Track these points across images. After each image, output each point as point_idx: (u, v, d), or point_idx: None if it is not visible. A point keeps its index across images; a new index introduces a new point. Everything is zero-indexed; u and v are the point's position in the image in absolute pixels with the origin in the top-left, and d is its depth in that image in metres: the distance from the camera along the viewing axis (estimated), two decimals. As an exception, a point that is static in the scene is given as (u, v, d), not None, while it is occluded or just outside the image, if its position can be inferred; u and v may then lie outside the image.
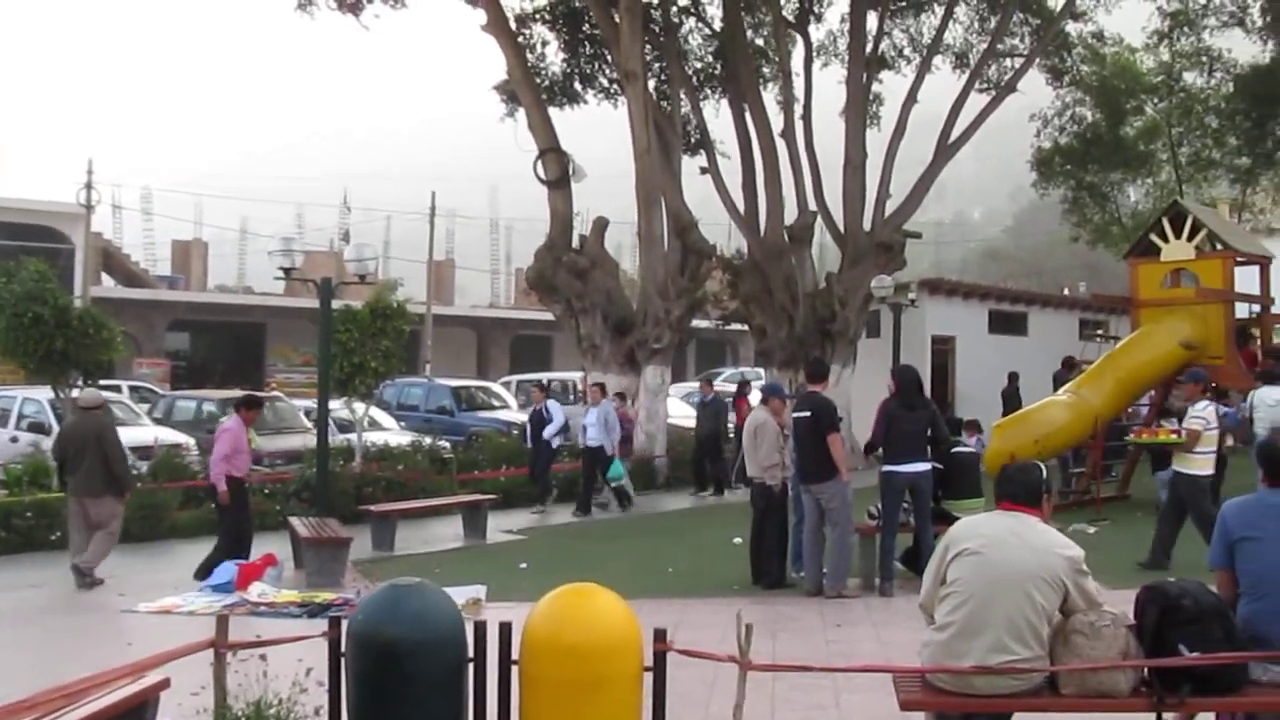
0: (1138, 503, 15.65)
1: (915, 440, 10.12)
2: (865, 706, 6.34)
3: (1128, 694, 4.69)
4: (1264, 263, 17.00)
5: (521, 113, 22.58)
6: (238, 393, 18.66)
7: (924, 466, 10.12)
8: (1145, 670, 4.69)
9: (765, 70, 24.96)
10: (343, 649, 4.89)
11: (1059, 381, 19.96)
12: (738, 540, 12.01)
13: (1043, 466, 5.29)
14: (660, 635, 4.87)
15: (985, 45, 25.39)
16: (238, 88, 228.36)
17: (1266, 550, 4.77)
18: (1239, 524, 4.90)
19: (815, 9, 25.40)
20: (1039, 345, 25.47)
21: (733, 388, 21.86)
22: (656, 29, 23.35)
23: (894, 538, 10.25)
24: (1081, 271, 51.66)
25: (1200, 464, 11.02)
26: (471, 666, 4.92)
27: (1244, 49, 28.72)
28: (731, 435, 19.21)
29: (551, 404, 17.80)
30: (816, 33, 25.72)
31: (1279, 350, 16.15)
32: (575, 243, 21.75)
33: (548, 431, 17.23)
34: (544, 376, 30.72)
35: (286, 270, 14.37)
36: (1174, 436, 11.53)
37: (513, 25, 22.84)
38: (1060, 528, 10.54)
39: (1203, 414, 11.23)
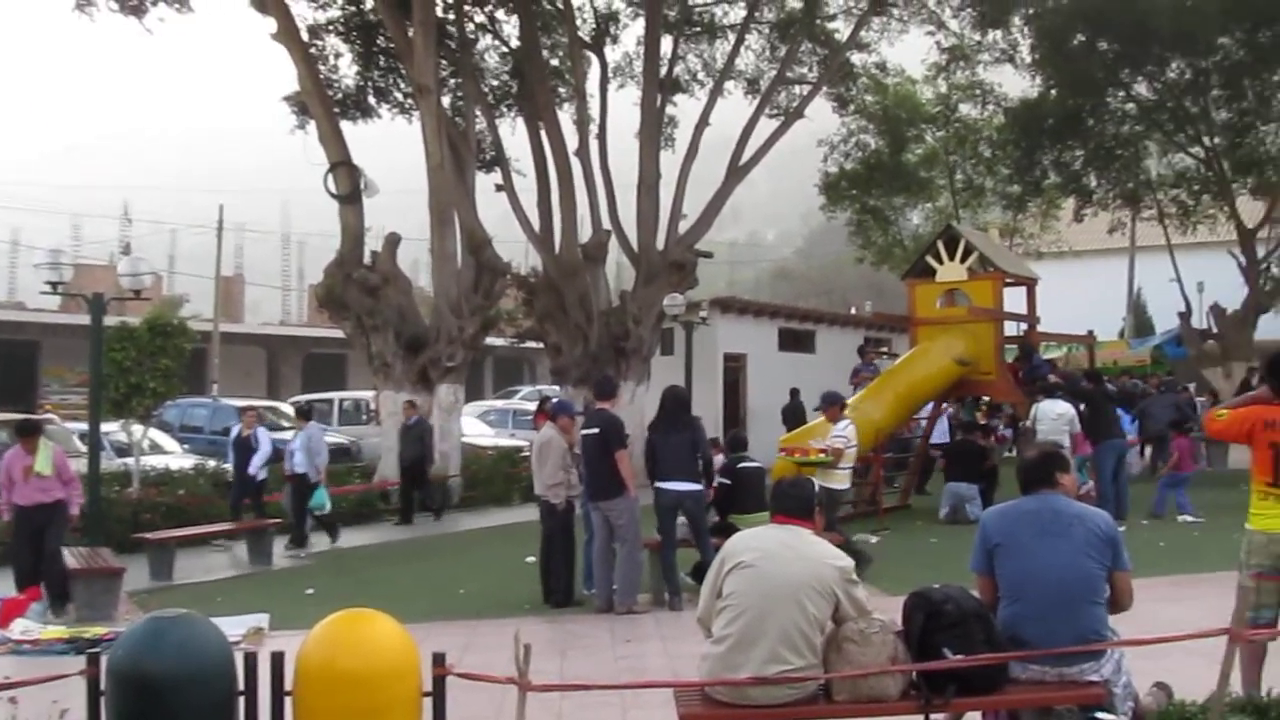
0: (918, 512, 16.29)
1: (681, 459, 10.20)
2: (652, 721, 6.38)
3: (897, 697, 4.83)
4: (1030, 284, 17.95)
5: (313, 125, 22.09)
6: (7, 416, 17.62)
7: (691, 486, 10.22)
8: (913, 673, 4.84)
9: (561, 90, 25.10)
10: (102, 687, 4.63)
11: (786, 414, 20.72)
12: (530, 559, 11.96)
13: (814, 481, 5.43)
14: (439, 659, 4.78)
15: (775, 72, 26.13)
16: (11, 90, 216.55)
17: (1022, 556, 4.99)
18: (997, 531, 5.12)
19: (611, 31, 25.67)
20: (827, 362, 26.25)
21: (532, 405, 21.83)
22: (452, 45, 23.21)
23: (673, 553, 10.34)
24: (868, 291, 53.54)
25: (839, 479, 12.09)
26: (242, 700, 4.72)
27: (1014, 84, 30.34)
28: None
29: (261, 432, 16.01)
30: (612, 54, 26.06)
31: (1096, 373, 16.98)
32: (367, 259, 21.34)
33: (253, 464, 15.52)
34: (336, 395, 30.10)
35: (54, 285, 13.67)
36: (823, 455, 12.10)
37: (305, 36, 22.34)
38: (845, 538, 10.97)
39: (844, 433, 12.21)
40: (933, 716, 4.99)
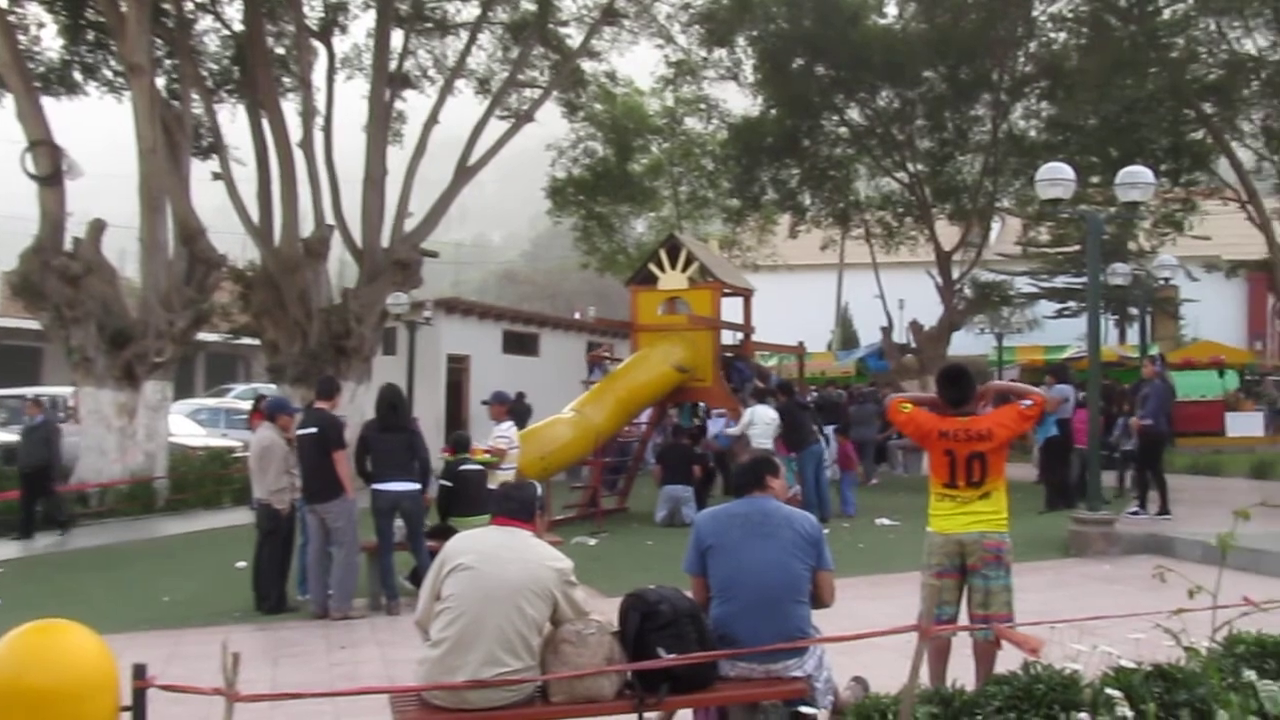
0: (635, 515, 16.60)
1: (397, 459, 10.10)
2: (368, 729, 6.25)
3: (613, 697, 4.89)
4: (747, 294, 18.60)
5: (10, 99, 20.55)
6: None
7: (409, 486, 10.12)
8: (628, 673, 4.92)
9: (286, 79, 24.31)
10: None
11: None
12: (241, 564, 11.52)
13: (536, 484, 5.47)
14: (139, 671, 4.51)
15: (507, 74, 26.14)
16: None
17: (733, 556, 5.19)
18: (710, 533, 5.30)
19: (340, 21, 25.09)
20: (550, 365, 26.47)
21: (246, 405, 20.99)
22: (168, 23, 22.10)
23: (391, 556, 10.20)
24: (592, 296, 54.17)
25: (503, 479, 12.13)
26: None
27: (738, 101, 31.44)
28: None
29: None
30: (341, 45, 25.49)
31: (790, 384, 17.66)
32: (68, 245, 20.00)
33: None
34: (32, 391, 28.09)
35: None
36: (488, 455, 12.32)
37: (2, 3, 20.78)
38: (564, 539, 11.07)
39: (506, 433, 12.47)
40: (646, 715, 5.11)
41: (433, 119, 23.88)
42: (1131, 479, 15.78)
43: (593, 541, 13.82)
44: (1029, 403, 6.13)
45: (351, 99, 24.65)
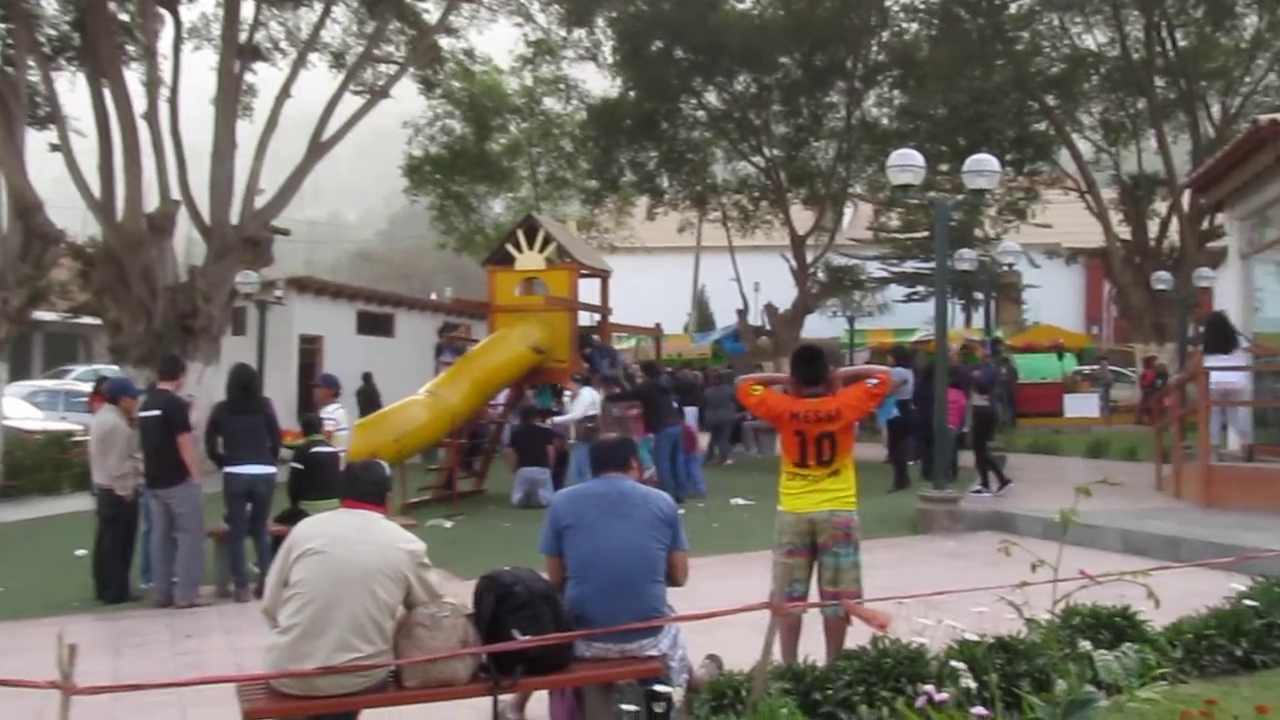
0: (492, 497, 16.50)
1: (251, 441, 9.89)
2: None
3: (467, 680, 4.85)
4: (605, 276, 18.61)
5: None
6: None
7: (265, 468, 9.94)
8: (483, 656, 4.88)
9: (130, 47, 23.39)
10: None
11: (362, 397, 20.65)
12: (81, 552, 11.09)
13: (386, 465, 5.38)
14: (-31, 663, 4.33)
15: (362, 49, 25.60)
16: None
17: (589, 536, 5.19)
18: (567, 513, 5.30)
19: (188, -13, 24.24)
20: (406, 346, 26.12)
21: (87, 386, 20.22)
22: (2, -15, 21.07)
23: (242, 541, 9.97)
24: (449, 277, 53.66)
25: None
26: None
27: (597, 82, 31.41)
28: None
29: None
30: (188, 14, 24.68)
31: (653, 365, 17.73)
32: (-110, 218, 18.99)
33: None
34: None
35: None
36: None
37: None
38: (419, 522, 10.93)
39: (333, 415, 12.27)
40: (502, 697, 5.08)
41: (285, 93, 23.27)
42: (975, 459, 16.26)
43: (448, 524, 13.70)
44: (875, 381, 6.27)
45: (199, 70, 23.86)
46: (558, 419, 15.70)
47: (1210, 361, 13.39)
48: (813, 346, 6.58)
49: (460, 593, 5.30)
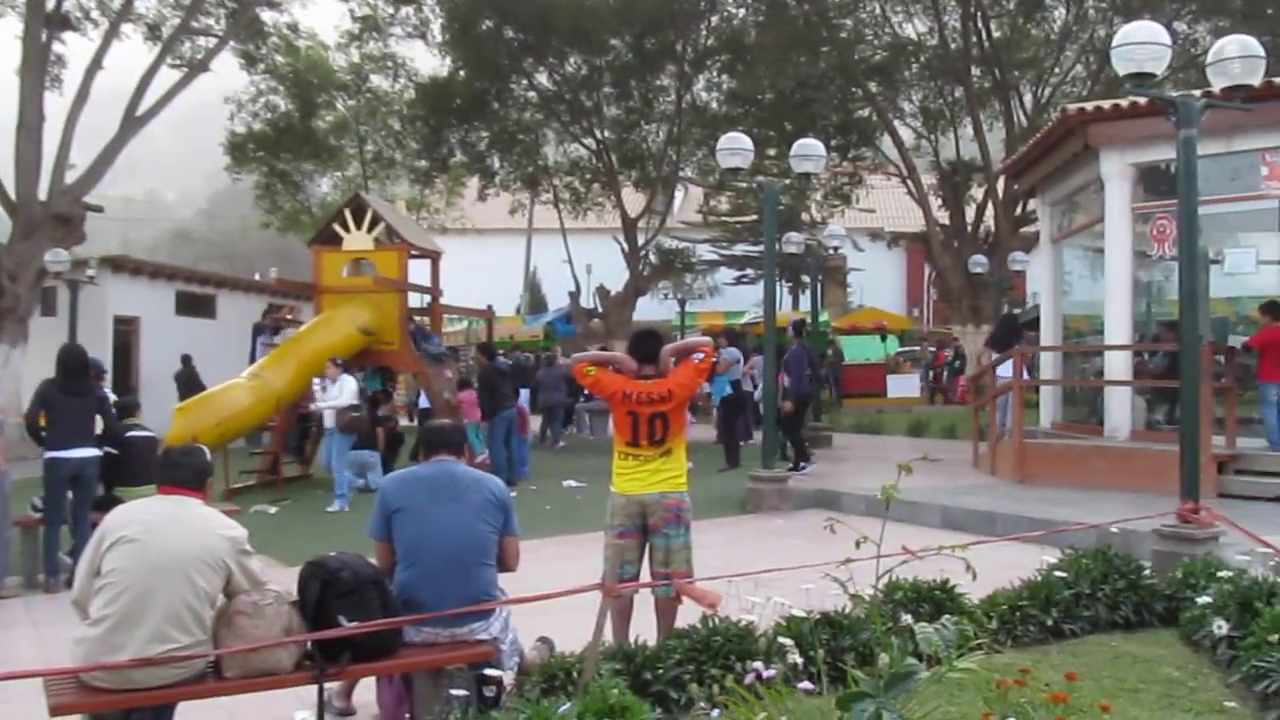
0: (319, 481, 16.16)
1: (79, 424, 9.52)
2: (19, 717, 5.78)
3: (291, 669, 4.72)
4: (435, 257, 18.38)
5: None
6: None
7: (93, 451, 9.56)
8: (308, 644, 4.76)
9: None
10: None
11: (181, 380, 20.06)
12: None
13: (206, 450, 5.18)
14: None
15: (179, 20, 24.66)
16: None
17: (419, 520, 5.11)
18: (396, 496, 5.20)
19: (-11, -48, 22.98)
20: (228, 328, 25.34)
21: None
22: None
23: (58, 529, 9.53)
24: (274, 257, 52.23)
25: None
26: None
27: (426, 61, 30.93)
28: None
29: None
30: (-11, -22, 23.30)
31: (490, 348, 17.51)
32: None
33: None
34: None
35: None
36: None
37: None
38: (242, 508, 10.63)
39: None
40: (328, 685, 4.97)
41: (96, 64, 22.25)
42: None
43: (273, 510, 13.36)
44: (700, 355, 6.35)
45: (3, 40, 22.64)
46: (315, 405, 14.91)
47: (996, 357, 15.60)
48: (650, 329, 6.70)
49: (285, 580, 5.15)
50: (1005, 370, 15.20)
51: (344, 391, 14.10)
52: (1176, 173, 8.26)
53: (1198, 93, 8.32)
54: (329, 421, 14.24)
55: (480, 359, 17.07)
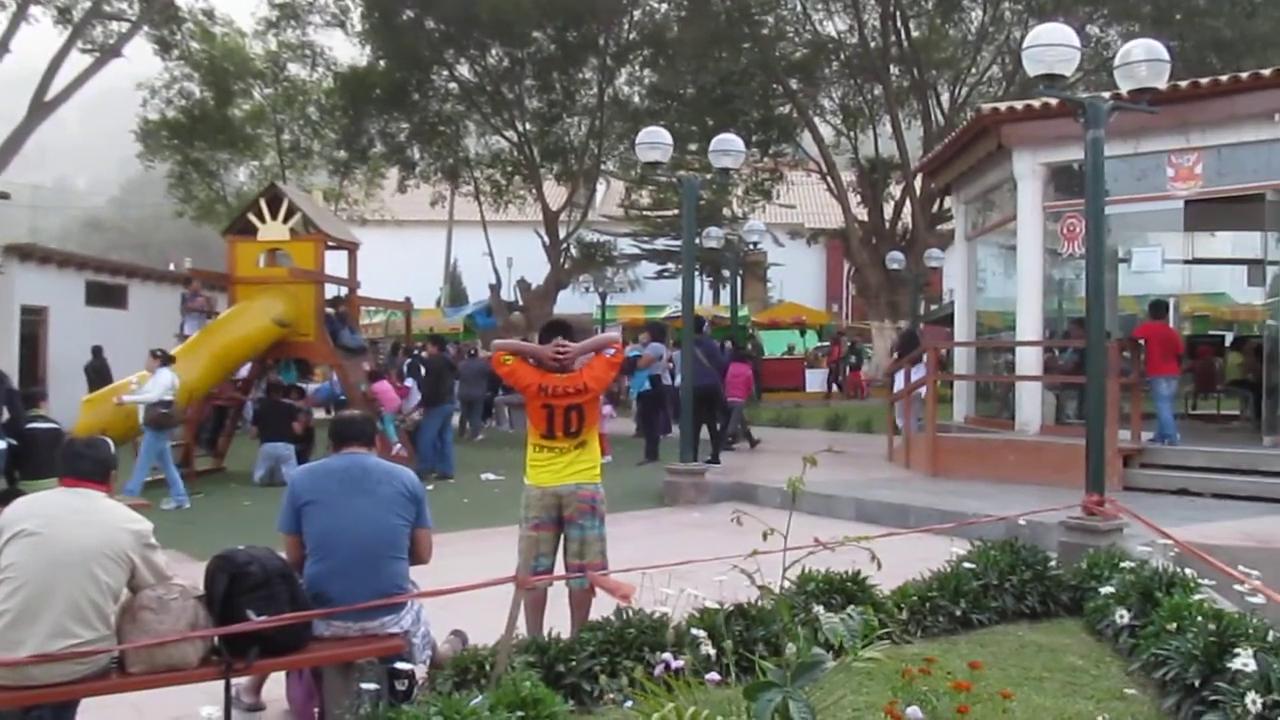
0: (234, 475, 15.93)
1: None
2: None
3: (197, 664, 4.64)
4: (352, 248, 18.15)
5: None
6: None
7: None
8: (215, 639, 4.69)
9: None
10: None
11: (91, 372, 19.68)
12: None
13: (110, 442, 5.08)
14: None
15: (90, 3, 24.13)
16: None
17: (330, 513, 5.05)
18: (307, 489, 5.14)
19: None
20: (140, 318, 24.86)
21: None
22: None
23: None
24: (189, 247, 51.34)
25: None
26: None
27: (345, 50, 30.56)
28: None
29: None
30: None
31: (441, 339, 17.38)
32: None
33: None
34: None
35: None
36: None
37: None
38: (152, 502, 10.43)
39: None
40: (237, 680, 4.90)
41: (3, 47, 21.72)
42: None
43: (186, 504, 13.11)
44: (611, 351, 6.37)
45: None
46: (126, 398, 14.13)
47: (897, 359, 16.73)
48: (560, 319, 6.75)
49: (195, 575, 5.06)
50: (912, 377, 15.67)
51: (156, 386, 13.22)
52: (1085, 172, 8.43)
53: (1107, 95, 8.48)
54: (141, 416, 13.28)
55: (431, 348, 16.96)
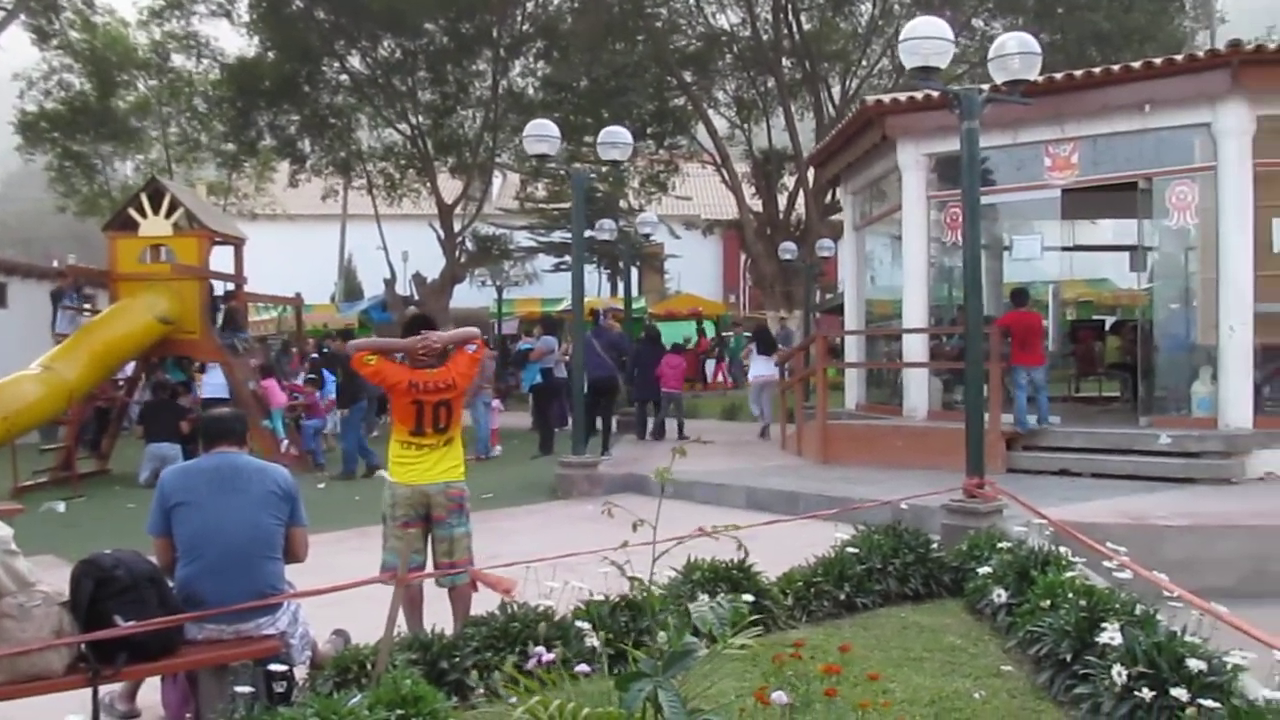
0: (119, 477, 15.57)
1: None
2: None
3: (63, 672, 4.53)
4: (239, 243, 17.85)
5: None
6: None
7: None
8: (81, 645, 4.58)
9: None
10: None
11: None
12: None
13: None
14: None
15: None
16: None
17: (201, 513, 4.95)
18: (175, 490, 5.02)
19: None
20: (20, 317, 24.16)
21: None
22: None
23: None
24: (72, 243, 49.95)
25: None
26: None
27: (232, 40, 29.90)
28: None
29: None
30: None
31: (352, 334, 17.09)
32: None
33: None
34: None
35: None
36: None
37: None
38: (30, 507, 10.13)
39: None
40: (108, 688, 4.79)
41: None
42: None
43: (62, 507, 12.74)
44: (473, 346, 6.32)
45: None
46: None
47: (756, 360, 18.35)
48: (421, 314, 6.71)
49: (66, 580, 4.93)
50: (762, 368, 18.08)
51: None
52: (961, 162, 8.60)
53: (984, 87, 8.66)
54: None
55: (340, 345, 16.72)
